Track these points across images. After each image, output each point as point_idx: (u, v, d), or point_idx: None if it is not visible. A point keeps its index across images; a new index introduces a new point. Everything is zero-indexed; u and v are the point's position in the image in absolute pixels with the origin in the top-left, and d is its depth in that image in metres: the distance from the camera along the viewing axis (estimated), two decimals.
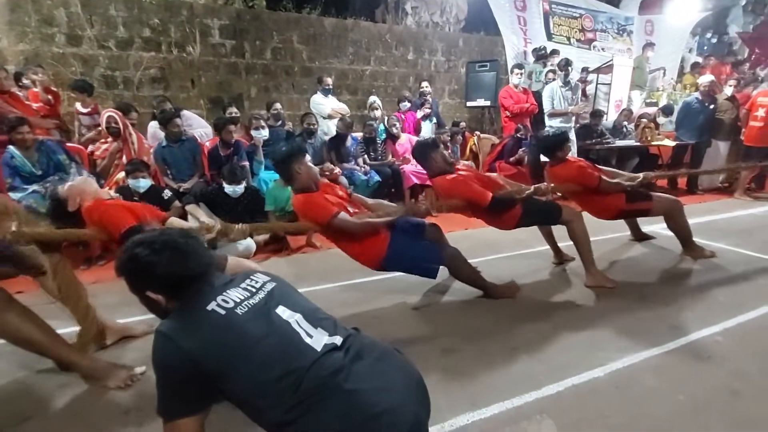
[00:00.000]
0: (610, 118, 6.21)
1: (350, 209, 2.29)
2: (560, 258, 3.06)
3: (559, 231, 2.88)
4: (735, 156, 5.35)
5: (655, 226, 3.60)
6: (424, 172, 4.53)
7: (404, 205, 2.45)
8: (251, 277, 1.18)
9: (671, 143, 5.54)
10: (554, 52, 6.12)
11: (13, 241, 1.64)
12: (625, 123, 5.83)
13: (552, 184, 2.84)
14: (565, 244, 3.04)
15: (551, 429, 1.49)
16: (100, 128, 3.85)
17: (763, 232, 3.72)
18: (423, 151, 2.65)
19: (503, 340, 2.06)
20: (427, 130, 5.43)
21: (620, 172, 3.15)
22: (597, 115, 5.48)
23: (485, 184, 2.59)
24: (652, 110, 6.35)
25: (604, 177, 2.82)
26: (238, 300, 1.07)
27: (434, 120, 5.56)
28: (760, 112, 5.01)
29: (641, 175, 2.97)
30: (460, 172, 2.62)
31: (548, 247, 3.12)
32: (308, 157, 2.30)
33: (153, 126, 4.23)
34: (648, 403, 1.63)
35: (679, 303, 2.42)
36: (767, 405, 1.61)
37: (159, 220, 2.12)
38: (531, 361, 1.89)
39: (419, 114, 5.39)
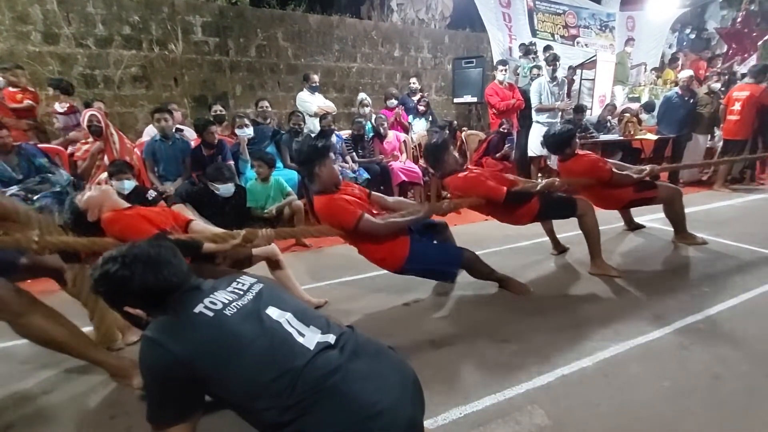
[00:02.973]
0: (594, 113, 6.31)
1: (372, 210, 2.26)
2: (559, 249, 3.14)
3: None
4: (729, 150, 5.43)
5: (644, 217, 3.69)
6: (413, 169, 4.63)
7: (425, 203, 2.43)
8: (238, 279, 1.16)
9: (653, 137, 5.66)
10: (547, 47, 6.14)
11: (38, 250, 1.63)
12: (609, 117, 5.93)
13: (564, 179, 2.85)
14: (562, 235, 3.14)
15: (542, 419, 1.52)
16: (80, 128, 3.75)
17: (741, 223, 3.84)
18: (435, 153, 2.65)
19: (494, 334, 2.09)
20: (422, 127, 5.41)
21: (626, 165, 3.21)
22: (580, 110, 5.56)
23: (498, 181, 2.60)
24: (634, 105, 6.47)
25: (615, 170, 2.87)
26: (227, 302, 1.05)
27: (429, 118, 5.55)
28: (736, 106, 5.16)
29: (648, 167, 3.04)
30: (473, 170, 2.63)
31: (533, 242, 3.18)
32: (332, 156, 2.25)
33: (151, 129, 4.14)
34: (634, 390, 1.67)
35: (664, 292, 2.48)
36: (746, 388, 1.67)
37: (181, 226, 2.05)
38: (521, 353, 1.92)
39: (397, 110, 5.32)
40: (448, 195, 4.60)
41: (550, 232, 3.13)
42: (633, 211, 3.56)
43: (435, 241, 2.50)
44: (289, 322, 1.06)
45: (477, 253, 2.40)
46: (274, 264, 2.36)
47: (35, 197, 3.07)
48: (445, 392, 1.65)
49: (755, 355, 1.86)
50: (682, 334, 2.04)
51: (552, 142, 2.94)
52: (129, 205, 2.01)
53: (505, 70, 5.39)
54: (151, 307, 1.06)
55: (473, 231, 3.55)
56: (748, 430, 1.47)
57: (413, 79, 5.83)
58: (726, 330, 2.08)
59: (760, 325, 2.11)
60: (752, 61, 7.81)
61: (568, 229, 3.07)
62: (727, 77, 6.61)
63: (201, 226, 2.11)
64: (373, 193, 2.46)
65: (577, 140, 3.01)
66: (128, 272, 1.03)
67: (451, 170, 2.62)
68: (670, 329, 2.08)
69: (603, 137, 5.58)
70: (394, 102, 5.38)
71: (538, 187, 2.61)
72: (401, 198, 2.63)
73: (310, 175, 2.16)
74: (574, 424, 1.50)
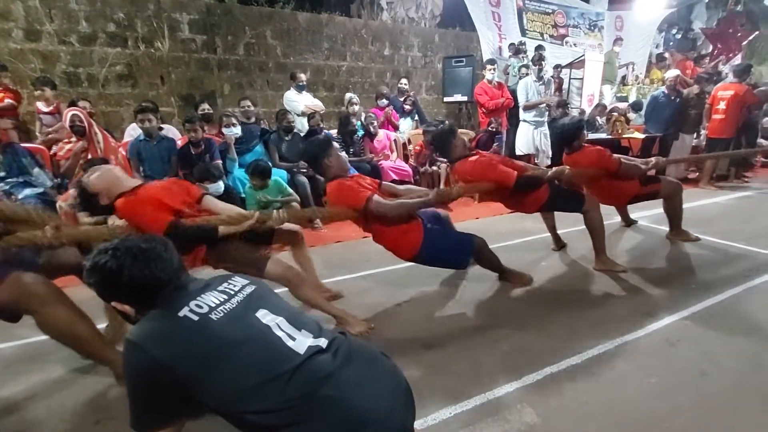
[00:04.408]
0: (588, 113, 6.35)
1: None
2: (559, 245, 3.18)
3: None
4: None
5: (634, 214, 3.74)
6: (403, 168, 4.62)
7: (435, 189, 2.46)
8: (229, 280, 1.14)
9: (641, 136, 5.73)
10: (539, 47, 6.16)
11: (53, 242, 1.65)
12: (598, 117, 5.98)
13: (573, 168, 2.84)
14: (562, 231, 3.21)
15: (531, 417, 1.52)
16: (64, 128, 3.67)
17: (726, 220, 3.90)
18: (443, 139, 2.65)
19: (484, 333, 2.09)
20: (408, 126, 5.42)
21: (631, 158, 3.23)
22: (563, 104, 5.58)
23: (508, 166, 2.61)
24: (623, 105, 6.54)
25: (623, 160, 2.89)
26: (214, 305, 1.03)
27: (416, 117, 5.55)
28: (721, 105, 5.24)
29: (653, 159, 3.10)
30: (482, 154, 2.64)
31: (525, 239, 3.20)
32: (336, 145, 2.33)
33: (133, 127, 4.07)
34: (622, 387, 1.68)
35: (651, 289, 2.51)
36: (732, 383, 1.69)
37: (194, 199, 2.04)
38: (511, 352, 1.92)
39: (387, 109, 5.33)
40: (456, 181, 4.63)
41: (552, 229, 3.17)
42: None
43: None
44: (279, 325, 1.04)
45: None
46: (296, 243, 2.39)
47: (19, 196, 3.01)
48: (434, 392, 1.65)
49: (741, 352, 1.89)
50: (669, 331, 2.06)
51: (561, 134, 2.96)
52: (139, 183, 1.95)
53: (494, 69, 5.40)
54: (139, 303, 1.05)
55: (464, 228, 3.55)
56: (735, 426, 1.49)
57: (403, 80, 5.81)
58: (712, 326, 2.10)
59: (746, 321, 2.14)
60: (737, 60, 7.96)
61: (568, 225, 3.11)
62: (714, 77, 6.71)
63: (213, 202, 2.12)
64: (383, 182, 2.51)
65: (585, 133, 3.02)
66: (117, 264, 1.02)
67: (460, 155, 2.61)
68: (657, 326, 2.10)
69: (592, 136, 5.62)
70: (385, 101, 5.37)
71: (548, 174, 2.63)
72: (411, 186, 2.67)
73: (321, 167, 2.24)
74: (563, 422, 1.50)
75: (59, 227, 1.67)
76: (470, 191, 2.62)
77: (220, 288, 1.09)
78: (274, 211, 2.02)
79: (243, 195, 3.60)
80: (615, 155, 2.93)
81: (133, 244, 1.05)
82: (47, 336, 1.63)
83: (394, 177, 4.51)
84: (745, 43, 8.42)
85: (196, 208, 2.04)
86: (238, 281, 1.14)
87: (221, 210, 2.04)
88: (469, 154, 2.62)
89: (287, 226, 2.25)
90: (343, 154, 4.43)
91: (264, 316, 1.05)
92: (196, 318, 0.99)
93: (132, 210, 1.83)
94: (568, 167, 2.76)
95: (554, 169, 2.69)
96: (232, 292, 1.09)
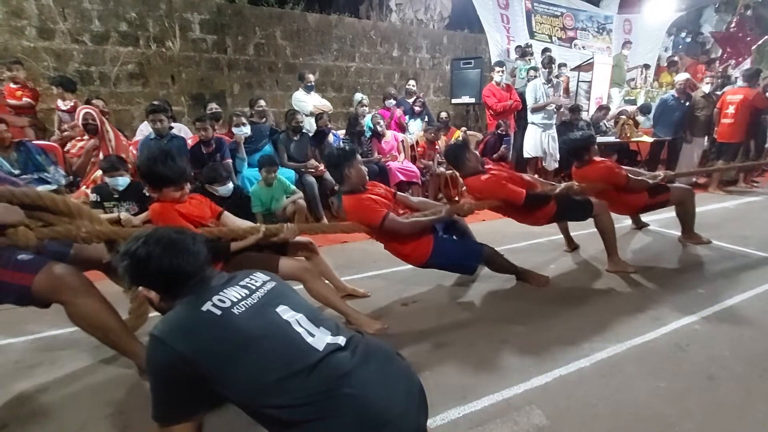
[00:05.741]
0: (591, 115, 6.33)
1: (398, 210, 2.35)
2: (572, 246, 3.22)
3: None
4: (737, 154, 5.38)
5: (645, 218, 3.73)
6: (410, 169, 4.63)
7: (447, 204, 2.54)
8: (251, 275, 1.16)
9: (649, 139, 5.70)
10: (546, 50, 6.15)
11: (86, 239, 1.70)
12: (604, 121, 5.95)
13: (581, 184, 2.87)
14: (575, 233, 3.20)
15: (540, 419, 1.52)
16: (76, 125, 3.72)
17: (735, 225, 3.88)
18: (455, 154, 2.72)
19: (492, 334, 2.10)
20: (418, 128, 5.44)
21: (640, 171, 3.26)
22: (576, 109, 5.57)
23: (517, 183, 2.65)
24: (631, 108, 6.51)
25: (630, 175, 2.91)
26: (236, 299, 1.05)
27: (425, 118, 5.57)
28: (730, 110, 5.21)
29: (661, 173, 3.13)
30: (492, 172, 2.68)
31: (532, 242, 3.21)
32: (359, 158, 2.36)
33: (145, 125, 4.12)
34: (631, 390, 1.68)
35: (659, 294, 2.50)
36: (740, 388, 1.68)
37: (214, 216, 2.11)
38: (520, 354, 1.92)
39: (398, 112, 5.37)
40: (463, 194, 4.65)
41: (565, 231, 3.20)
42: None
43: (455, 237, 2.57)
44: (298, 322, 1.06)
45: None
46: (310, 254, 2.42)
47: None
48: (443, 392, 1.65)
49: (750, 356, 1.88)
50: (679, 335, 2.06)
51: (571, 147, 2.99)
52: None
53: (502, 72, 5.40)
54: (164, 291, 1.09)
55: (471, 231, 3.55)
56: (743, 430, 1.49)
57: (411, 82, 5.83)
58: (721, 331, 2.10)
59: (754, 326, 2.13)
60: (746, 64, 7.90)
61: (580, 228, 3.11)
62: (721, 81, 6.68)
63: (231, 218, 2.17)
64: (398, 193, 2.57)
65: (596, 146, 3.03)
66: (146, 252, 1.06)
67: (473, 170, 2.67)
68: (666, 329, 2.10)
69: (599, 139, 5.60)
70: (393, 102, 5.39)
71: (557, 190, 2.68)
72: (425, 198, 2.76)
73: (340, 176, 2.28)
74: (571, 424, 1.51)
75: (93, 224, 1.72)
76: (481, 207, 2.67)
77: (242, 283, 1.12)
78: (285, 224, 2.06)
79: (249, 194, 3.63)
80: (623, 169, 2.94)
81: (164, 235, 1.10)
82: (75, 327, 1.65)
83: (402, 178, 4.52)
84: (754, 47, 8.36)
85: (216, 224, 2.10)
86: (260, 277, 1.17)
87: (237, 226, 2.08)
88: (481, 171, 2.66)
89: (298, 238, 2.28)
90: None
91: (284, 312, 1.07)
92: (218, 312, 1.01)
93: (159, 216, 1.90)
94: (576, 183, 2.80)
95: (563, 185, 2.74)
96: (254, 287, 1.11)
